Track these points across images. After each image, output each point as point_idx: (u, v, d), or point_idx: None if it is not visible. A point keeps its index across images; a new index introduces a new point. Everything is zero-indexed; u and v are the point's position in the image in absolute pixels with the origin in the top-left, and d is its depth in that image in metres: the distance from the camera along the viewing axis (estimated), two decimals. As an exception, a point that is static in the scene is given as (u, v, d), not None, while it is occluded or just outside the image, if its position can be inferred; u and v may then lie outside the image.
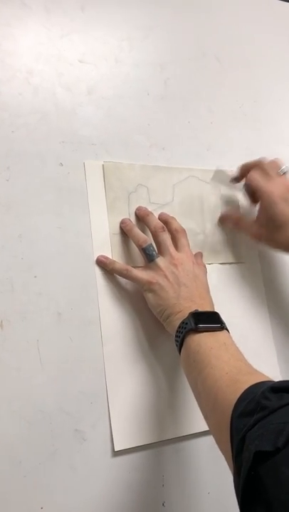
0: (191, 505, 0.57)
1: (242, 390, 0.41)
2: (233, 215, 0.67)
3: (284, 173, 0.61)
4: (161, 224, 0.60)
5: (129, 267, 0.58)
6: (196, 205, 0.66)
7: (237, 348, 0.50)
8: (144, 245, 0.58)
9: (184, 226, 0.61)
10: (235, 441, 0.37)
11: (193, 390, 0.50)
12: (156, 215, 0.62)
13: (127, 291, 0.59)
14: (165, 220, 0.61)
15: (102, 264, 0.58)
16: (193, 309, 0.53)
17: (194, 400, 0.59)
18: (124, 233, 0.60)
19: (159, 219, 0.61)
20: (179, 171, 0.66)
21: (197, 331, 0.50)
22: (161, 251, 0.59)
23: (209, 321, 0.52)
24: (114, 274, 0.59)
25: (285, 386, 0.38)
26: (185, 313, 0.53)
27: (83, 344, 0.55)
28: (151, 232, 0.60)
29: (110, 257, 0.59)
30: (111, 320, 0.57)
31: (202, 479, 0.58)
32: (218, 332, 0.51)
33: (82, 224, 0.58)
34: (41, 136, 0.58)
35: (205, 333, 0.50)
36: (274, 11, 0.82)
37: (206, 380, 0.47)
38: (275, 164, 0.62)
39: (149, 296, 0.57)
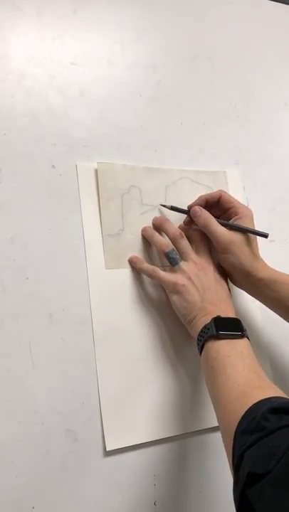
0: (182, 504, 0.58)
1: (249, 405, 0.42)
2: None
3: None
4: (179, 231, 0.61)
5: (156, 268, 0.59)
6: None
7: (254, 357, 0.51)
8: (166, 250, 0.59)
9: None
10: (236, 456, 0.39)
11: (210, 393, 0.51)
12: (149, 216, 0.63)
13: (119, 292, 0.60)
14: (186, 228, 0.63)
15: (133, 263, 0.60)
16: (216, 314, 0.53)
17: (186, 400, 0.60)
18: (118, 235, 0.61)
19: (180, 226, 0.63)
20: (171, 172, 0.66)
21: (218, 337, 0.51)
22: (183, 257, 0.60)
23: (231, 328, 0.53)
24: (108, 276, 0.59)
25: (285, 407, 0.39)
26: (209, 318, 0.53)
27: (75, 345, 0.56)
28: (170, 239, 0.61)
29: (102, 259, 0.59)
30: (103, 320, 0.58)
31: (193, 478, 0.59)
32: (237, 340, 0.52)
33: (74, 225, 0.59)
34: (33, 138, 0.59)
35: (225, 340, 0.51)
36: (266, 12, 0.82)
37: (219, 387, 0.48)
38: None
39: (175, 299, 0.58)
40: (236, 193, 0.70)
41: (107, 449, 0.55)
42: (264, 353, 0.67)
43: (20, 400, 0.52)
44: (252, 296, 0.61)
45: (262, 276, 0.59)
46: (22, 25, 0.62)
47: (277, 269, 0.61)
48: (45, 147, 0.59)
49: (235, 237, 0.59)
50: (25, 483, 0.51)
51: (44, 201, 0.58)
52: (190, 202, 0.64)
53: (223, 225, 0.60)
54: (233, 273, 0.60)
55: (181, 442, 0.59)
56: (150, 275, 0.60)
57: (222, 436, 0.45)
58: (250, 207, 0.65)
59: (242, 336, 0.52)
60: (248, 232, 0.60)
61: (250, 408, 0.41)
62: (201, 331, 0.53)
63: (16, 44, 0.61)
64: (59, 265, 0.57)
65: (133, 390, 0.57)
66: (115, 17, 0.68)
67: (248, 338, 0.53)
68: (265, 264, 0.60)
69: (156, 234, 0.62)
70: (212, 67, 0.74)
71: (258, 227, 0.62)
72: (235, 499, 0.37)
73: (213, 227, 0.59)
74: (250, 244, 0.60)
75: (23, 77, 0.60)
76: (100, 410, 0.55)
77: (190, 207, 0.63)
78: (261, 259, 0.61)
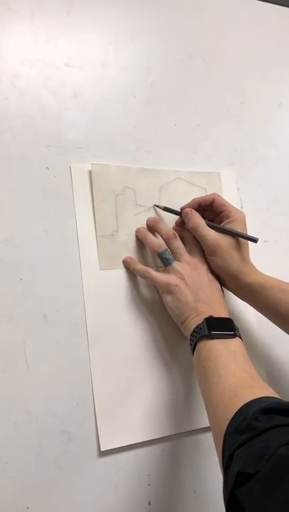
0: (176, 503, 0.58)
1: (240, 405, 0.42)
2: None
3: None
4: (172, 231, 0.61)
5: (149, 269, 0.59)
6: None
7: (246, 357, 0.51)
8: (159, 250, 0.60)
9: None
10: (226, 456, 0.39)
11: (202, 393, 0.51)
12: (143, 217, 0.63)
13: (113, 293, 0.60)
14: (179, 228, 0.63)
15: (127, 264, 0.61)
16: (209, 314, 0.54)
17: (180, 400, 0.60)
18: (112, 236, 0.61)
19: (172, 227, 0.63)
20: (165, 173, 0.67)
21: (210, 337, 0.51)
22: (176, 257, 0.60)
23: (223, 327, 0.53)
24: (98, 277, 0.59)
25: (275, 407, 0.39)
26: (201, 318, 0.53)
27: (69, 346, 0.56)
28: (164, 239, 0.61)
29: (96, 260, 0.59)
30: (97, 321, 0.58)
31: (187, 478, 0.59)
32: (230, 339, 0.52)
33: (69, 227, 0.59)
34: (27, 139, 0.59)
35: (217, 340, 0.51)
36: (261, 13, 0.82)
37: (211, 388, 0.48)
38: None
39: (168, 299, 0.58)
40: (230, 193, 0.70)
41: (102, 450, 0.55)
42: (259, 354, 0.67)
43: (14, 401, 0.52)
44: (242, 299, 0.62)
45: (250, 281, 0.59)
46: (15, 26, 0.62)
47: (271, 269, 0.61)
48: (39, 149, 0.59)
49: (224, 241, 0.59)
50: (19, 484, 0.51)
51: (38, 202, 0.58)
52: (184, 203, 0.64)
53: (213, 228, 0.60)
54: (221, 276, 0.61)
55: (175, 442, 0.59)
56: (143, 276, 0.60)
57: (213, 435, 0.45)
58: (244, 208, 0.66)
59: (234, 336, 0.52)
60: (238, 236, 0.60)
61: (240, 408, 0.41)
62: (194, 331, 0.54)
63: (9, 45, 0.61)
64: (53, 266, 0.57)
65: (127, 391, 0.58)
66: (109, 18, 0.68)
67: (240, 337, 0.53)
68: (254, 269, 0.60)
69: (150, 234, 0.62)
70: (206, 68, 0.74)
71: (252, 228, 0.62)
72: (224, 499, 0.37)
73: (201, 229, 0.59)
74: (240, 248, 0.60)
75: (16, 78, 0.60)
76: (94, 411, 0.55)
77: (182, 208, 0.63)
78: (250, 264, 0.61)
